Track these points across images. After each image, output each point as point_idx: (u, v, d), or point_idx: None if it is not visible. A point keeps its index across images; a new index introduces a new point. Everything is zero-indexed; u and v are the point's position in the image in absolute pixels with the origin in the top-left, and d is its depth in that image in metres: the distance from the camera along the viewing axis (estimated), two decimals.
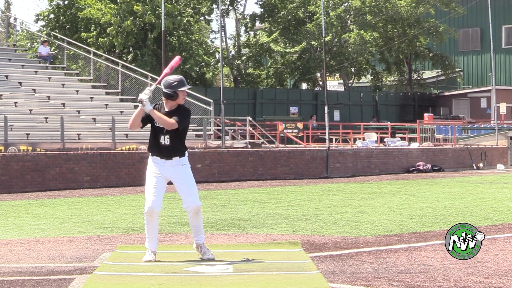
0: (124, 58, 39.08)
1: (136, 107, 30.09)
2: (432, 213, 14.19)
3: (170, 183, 9.07)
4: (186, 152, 9.02)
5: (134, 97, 31.02)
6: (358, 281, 7.64)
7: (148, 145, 9.05)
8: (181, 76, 8.96)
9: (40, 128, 25.64)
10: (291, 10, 45.63)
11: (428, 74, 53.41)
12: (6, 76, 29.04)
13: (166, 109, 8.85)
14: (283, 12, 45.70)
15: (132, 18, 38.49)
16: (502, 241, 10.55)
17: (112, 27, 38.20)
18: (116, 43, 38.53)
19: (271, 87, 47.56)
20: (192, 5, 42.44)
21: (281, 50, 45.68)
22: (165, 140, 8.82)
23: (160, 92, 9.10)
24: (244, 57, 46.64)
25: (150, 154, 8.97)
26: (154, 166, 8.89)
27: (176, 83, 8.79)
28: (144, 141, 26.46)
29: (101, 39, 38.95)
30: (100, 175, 22.52)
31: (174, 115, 8.76)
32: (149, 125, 8.97)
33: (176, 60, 9.09)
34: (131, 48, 40.41)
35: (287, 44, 46.61)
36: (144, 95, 8.73)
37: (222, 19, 44.48)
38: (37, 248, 10.17)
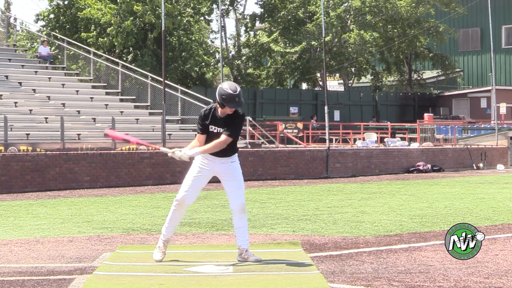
0: (124, 58, 39.09)
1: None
2: (432, 213, 14.19)
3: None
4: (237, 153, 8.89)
5: (134, 97, 31.04)
6: (358, 281, 7.64)
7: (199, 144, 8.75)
8: (238, 91, 8.49)
9: (40, 128, 25.64)
10: (291, 10, 45.64)
11: (428, 74, 53.42)
12: (6, 76, 29.05)
13: (220, 115, 8.57)
14: (283, 12, 45.71)
15: (132, 18, 38.49)
16: (502, 241, 10.55)
17: (112, 27, 38.21)
18: (116, 43, 38.54)
19: (271, 87, 47.57)
20: (192, 5, 42.44)
21: (281, 50, 45.69)
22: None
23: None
24: (244, 57, 46.66)
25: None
26: (202, 159, 8.67)
27: (226, 99, 8.43)
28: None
29: (101, 39, 38.96)
30: (100, 175, 22.52)
31: (226, 122, 8.50)
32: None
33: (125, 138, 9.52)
34: (131, 48, 40.42)
35: (287, 44, 46.62)
36: (183, 154, 8.59)
37: (222, 19, 44.50)
38: (37, 248, 10.17)
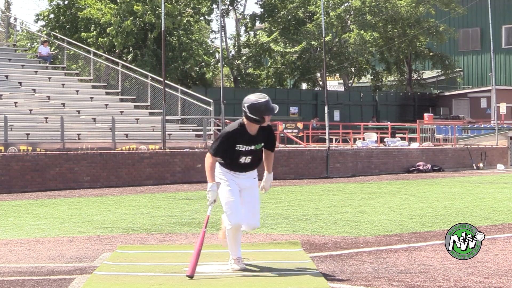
0: (124, 58, 39.09)
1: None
2: (432, 213, 14.18)
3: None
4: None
5: (134, 97, 31.04)
6: (358, 281, 7.64)
7: (221, 161, 8.20)
8: (267, 98, 8.02)
9: (40, 128, 25.64)
10: (291, 10, 45.63)
11: (428, 74, 53.42)
12: (6, 76, 29.04)
13: (250, 132, 8.04)
14: (283, 12, 45.70)
15: (132, 18, 38.48)
16: (502, 241, 10.55)
17: (112, 27, 38.20)
18: (116, 43, 38.53)
19: (271, 87, 47.57)
20: (192, 5, 42.43)
21: (281, 50, 45.67)
22: (246, 159, 8.14)
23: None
24: (244, 57, 46.65)
25: (220, 164, 8.21)
26: (226, 176, 8.17)
27: (263, 108, 7.92)
28: (144, 141, 26.47)
29: (101, 39, 38.96)
30: (100, 175, 22.51)
31: (258, 139, 8.08)
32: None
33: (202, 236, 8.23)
34: (131, 48, 40.41)
35: (287, 44, 46.62)
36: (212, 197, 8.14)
37: (222, 19, 44.49)
38: (37, 248, 10.17)
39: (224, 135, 8.04)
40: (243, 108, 7.97)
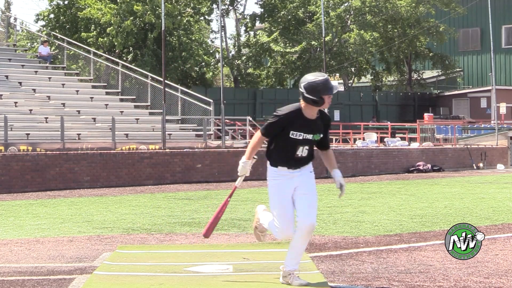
0: (124, 58, 39.07)
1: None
2: (432, 213, 14.18)
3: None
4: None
5: (134, 97, 31.05)
6: (358, 281, 7.64)
7: (272, 157, 7.31)
8: (325, 76, 7.21)
9: (40, 128, 25.64)
10: (291, 9, 45.62)
11: (428, 74, 53.42)
12: (6, 76, 29.05)
13: (307, 117, 7.17)
14: (283, 12, 45.70)
15: (132, 18, 38.46)
16: (502, 241, 10.54)
17: (111, 27, 38.18)
18: (116, 43, 38.52)
19: (271, 87, 47.57)
20: (192, 5, 42.43)
21: (281, 50, 45.66)
22: (303, 151, 7.28)
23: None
24: (244, 57, 46.64)
25: (271, 164, 7.33)
26: (280, 180, 7.27)
27: (321, 86, 7.06)
28: (144, 141, 26.47)
29: (101, 39, 38.94)
30: (100, 175, 22.51)
31: (317, 127, 7.25)
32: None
33: (223, 205, 7.72)
34: (131, 48, 40.40)
35: (287, 44, 46.62)
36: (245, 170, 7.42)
37: (222, 19, 44.49)
38: (37, 248, 10.16)
39: (278, 114, 7.25)
40: (300, 89, 7.17)
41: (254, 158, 7.45)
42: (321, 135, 7.35)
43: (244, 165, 7.41)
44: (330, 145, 7.79)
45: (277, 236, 7.49)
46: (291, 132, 7.15)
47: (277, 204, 7.32)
